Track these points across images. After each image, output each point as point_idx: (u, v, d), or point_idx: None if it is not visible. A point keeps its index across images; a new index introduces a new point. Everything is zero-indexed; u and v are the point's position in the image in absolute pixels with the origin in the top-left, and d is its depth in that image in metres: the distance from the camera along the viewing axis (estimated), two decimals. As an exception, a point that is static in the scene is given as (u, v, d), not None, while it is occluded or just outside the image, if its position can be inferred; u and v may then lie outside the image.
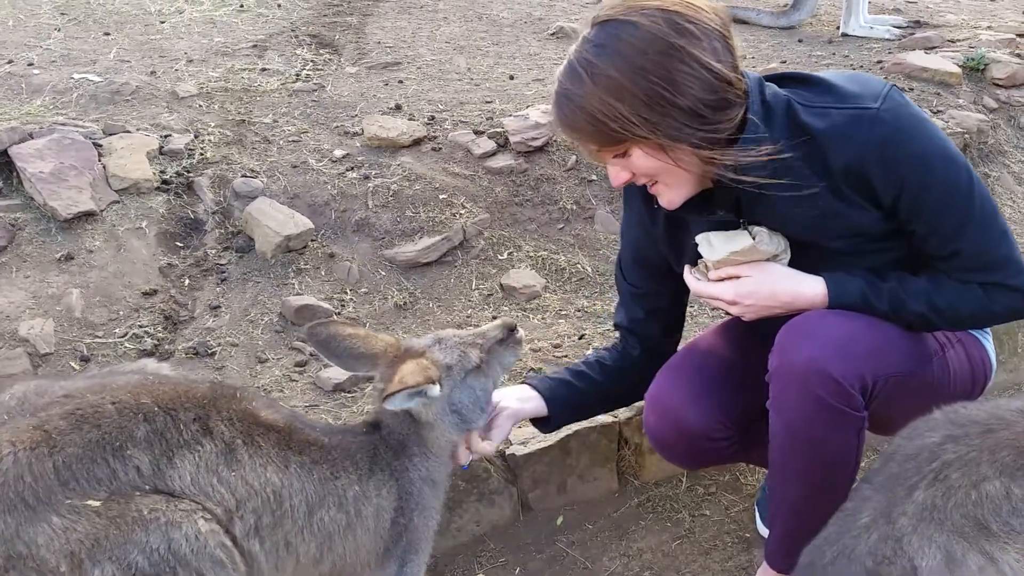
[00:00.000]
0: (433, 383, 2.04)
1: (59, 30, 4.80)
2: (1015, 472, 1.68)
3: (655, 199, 2.10)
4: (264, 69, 4.54)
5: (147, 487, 1.79)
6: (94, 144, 3.66)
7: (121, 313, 3.24)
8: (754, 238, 2.06)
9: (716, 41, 1.91)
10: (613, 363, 2.45)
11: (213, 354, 3.17)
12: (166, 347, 3.18)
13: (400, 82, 4.53)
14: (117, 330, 3.18)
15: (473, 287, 3.57)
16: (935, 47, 5.02)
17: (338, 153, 3.88)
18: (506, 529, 2.82)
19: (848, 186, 1.98)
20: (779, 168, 1.94)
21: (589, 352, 2.64)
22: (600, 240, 3.82)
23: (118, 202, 3.53)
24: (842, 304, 2.06)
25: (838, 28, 5.39)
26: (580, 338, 3.32)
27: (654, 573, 2.66)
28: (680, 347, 2.48)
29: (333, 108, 4.21)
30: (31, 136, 3.61)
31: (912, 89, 4.51)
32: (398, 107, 4.21)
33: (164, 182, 3.64)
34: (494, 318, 3.14)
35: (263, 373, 3.12)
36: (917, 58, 4.77)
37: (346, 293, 3.47)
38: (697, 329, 3.22)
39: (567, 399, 2.41)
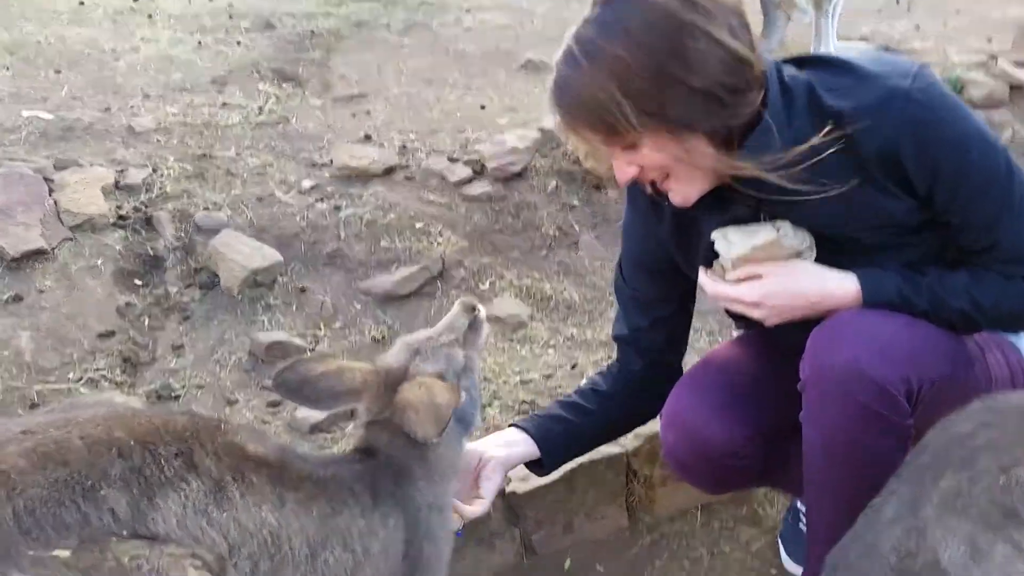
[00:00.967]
0: (459, 395, 1.86)
1: (7, 68, 4.56)
2: None
3: (662, 194, 1.92)
4: (225, 104, 4.33)
5: (124, 532, 1.50)
6: (45, 179, 3.42)
7: (75, 356, 2.98)
8: (778, 231, 1.88)
9: (732, 18, 1.74)
10: (610, 387, 2.24)
11: (178, 397, 2.92)
12: (125, 391, 2.91)
13: (368, 113, 4.36)
14: (71, 374, 2.91)
15: (454, 318, 3.37)
16: (909, 73, 4.99)
17: (306, 184, 3.67)
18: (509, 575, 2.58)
19: (880, 172, 1.81)
20: (809, 167, 1.76)
21: (583, 381, 2.44)
22: (586, 266, 3.65)
23: (71, 239, 3.28)
24: (878, 302, 1.87)
25: (808, 56, 5.35)
26: (573, 367, 3.12)
27: (675, 618, 2.45)
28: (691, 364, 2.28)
29: (299, 140, 4.02)
30: (-24, 173, 3.37)
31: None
32: (367, 137, 4.03)
33: (121, 217, 3.40)
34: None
35: (233, 416, 2.85)
36: (892, 83, 4.72)
37: (319, 328, 3.24)
38: (695, 356, 3.04)
39: (560, 436, 2.20)
